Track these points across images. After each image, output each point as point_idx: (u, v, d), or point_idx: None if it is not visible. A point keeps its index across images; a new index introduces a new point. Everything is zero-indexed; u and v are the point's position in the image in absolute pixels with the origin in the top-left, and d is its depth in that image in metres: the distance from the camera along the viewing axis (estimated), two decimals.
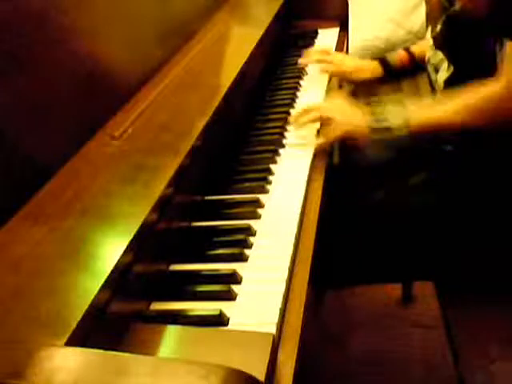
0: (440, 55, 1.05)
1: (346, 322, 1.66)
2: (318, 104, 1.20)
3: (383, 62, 1.40)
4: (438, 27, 1.06)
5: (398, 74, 1.41)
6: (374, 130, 1.09)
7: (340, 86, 1.46)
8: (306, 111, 1.15)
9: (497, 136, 1.02)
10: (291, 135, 1.15)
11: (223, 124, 1.04)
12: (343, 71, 1.41)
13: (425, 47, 1.37)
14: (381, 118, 1.10)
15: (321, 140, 1.10)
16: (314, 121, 1.13)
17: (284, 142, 1.13)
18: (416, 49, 1.39)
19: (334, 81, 1.41)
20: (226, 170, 1.04)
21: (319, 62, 1.41)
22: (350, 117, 1.12)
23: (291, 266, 0.79)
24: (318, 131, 1.14)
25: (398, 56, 1.40)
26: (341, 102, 1.16)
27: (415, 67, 1.39)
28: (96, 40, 0.98)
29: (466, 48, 0.99)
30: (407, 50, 1.39)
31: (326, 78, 1.40)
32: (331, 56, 1.43)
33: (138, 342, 0.65)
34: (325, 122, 1.13)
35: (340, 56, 1.45)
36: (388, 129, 1.08)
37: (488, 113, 1.01)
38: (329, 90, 1.36)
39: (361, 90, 1.82)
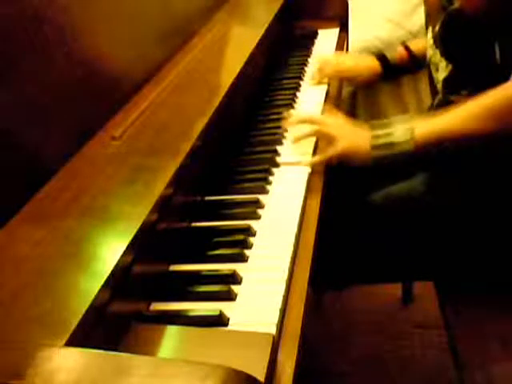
0: (438, 54, 1.05)
1: (346, 322, 1.66)
2: (317, 117, 1.14)
3: (382, 59, 1.38)
4: (438, 26, 1.06)
5: (397, 71, 1.39)
6: (377, 147, 1.03)
7: (340, 87, 1.46)
8: (302, 120, 1.11)
9: (496, 140, 1.01)
10: (291, 135, 1.15)
11: (223, 124, 1.04)
12: (341, 71, 1.39)
13: (421, 44, 1.36)
14: (383, 132, 1.05)
15: (317, 157, 1.05)
16: (311, 135, 1.09)
17: (284, 141, 1.13)
18: (414, 46, 1.37)
19: (335, 82, 1.41)
20: (225, 170, 1.04)
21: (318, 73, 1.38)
22: (351, 133, 1.07)
23: (291, 266, 0.79)
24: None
25: (398, 53, 1.37)
26: (341, 119, 1.12)
27: (414, 64, 1.37)
28: (96, 40, 0.98)
29: (464, 47, 0.98)
30: (406, 46, 1.37)
31: (326, 78, 1.39)
32: (327, 59, 1.40)
33: (138, 342, 0.65)
34: (322, 138, 1.09)
35: (336, 56, 1.43)
36: (391, 144, 1.02)
37: (503, 118, 0.97)
38: (329, 91, 1.36)
39: (360, 90, 1.82)
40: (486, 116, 0.98)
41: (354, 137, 1.06)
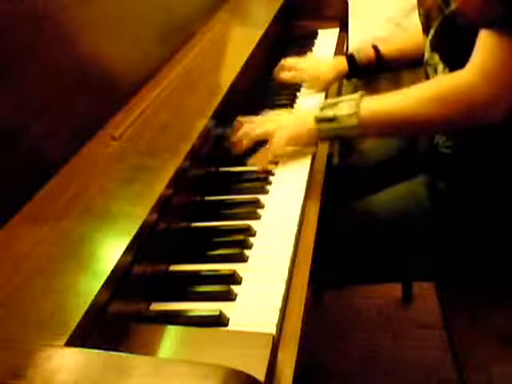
0: (437, 57, 1.05)
1: (345, 322, 1.66)
2: (245, 128, 1.07)
3: (350, 58, 1.35)
4: (434, 29, 1.05)
5: (363, 71, 1.36)
6: (320, 120, 1.00)
7: (340, 87, 1.46)
8: (241, 138, 1.06)
9: (496, 139, 1.01)
10: None
11: (223, 124, 1.04)
12: (300, 76, 1.36)
13: (395, 46, 1.35)
14: (328, 103, 1.02)
15: (268, 159, 1.02)
16: (251, 143, 1.05)
17: None
18: (386, 46, 1.34)
19: (335, 82, 1.41)
20: (225, 170, 1.04)
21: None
22: (288, 118, 1.06)
23: (291, 266, 0.79)
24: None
25: (366, 52, 1.34)
26: (272, 114, 1.09)
27: (380, 66, 1.35)
28: (96, 40, 0.98)
29: (460, 50, 0.98)
30: (375, 47, 1.34)
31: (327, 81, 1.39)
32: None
33: (138, 342, 0.65)
34: (263, 138, 1.05)
35: (296, 61, 1.39)
36: (335, 119, 0.99)
37: (455, 104, 0.93)
38: (329, 91, 1.36)
39: (360, 90, 1.82)
40: (437, 102, 0.94)
41: (293, 118, 1.05)
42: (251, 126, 1.06)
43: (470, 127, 0.97)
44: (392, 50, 1.34)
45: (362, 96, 1.00)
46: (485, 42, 0.91)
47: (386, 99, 1.00)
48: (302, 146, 1.04)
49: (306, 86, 1.36)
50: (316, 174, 1.03)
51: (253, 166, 1.04)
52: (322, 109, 1.02)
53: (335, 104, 1.01)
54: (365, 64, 1.34)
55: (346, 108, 0.99)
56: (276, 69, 1.38)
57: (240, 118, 1.09)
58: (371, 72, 1.37)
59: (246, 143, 1.05)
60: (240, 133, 1.06)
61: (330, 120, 1.00)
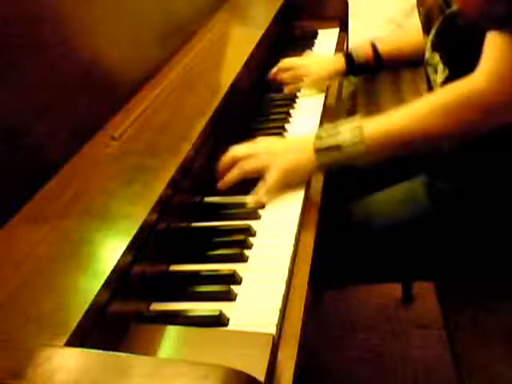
0: (437, 57, 1.04)
1: (345, 322, 1.66)
2: (235, 154, 0.96)
3: (348, 56, 1.34)
4: (435, 29, 1.05)
5: (361, 70, 1.35)
6: (321, 151, 0.93)
7: (340, 87, 1.46)
8: (227, 164, 0.96)
9: (495, 140, 1.01)
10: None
11: (223, 124, 1.04)
12: (300, 74, 1.34)
13: (395, 45, 1.35)
14: (328, 133, 0.94)
15: (258, 197, 0.92)
16: (238, 177, 0.95)
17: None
18: (384, 46, 1.33)
19: (335, 82, 1.41)
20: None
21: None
22: (284, 149, 0.96)
23: (291, 266, 0.79)
24: None
25: (364, 51, 1.33)
26: (263, 141, 1.00)
27: (378, 65, 1.33)
28: (96, 40, 0.98)
29: (461, 50, 0.97)
30: (373, 45, 1.33)
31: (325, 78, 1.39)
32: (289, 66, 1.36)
33: (138, 342, 0.65)
34: (254, 173, 0.95)
35: (294, 60, 1.38)
36: (338, 147, 0.92)
37: (465, 114, 0.90)
38: (329, 91, 1.36)
39: (360, 90, 1.83)
40: (446, 113, 0.90)
41: (289, 148, 0.97)
42: (243, 159, 0.96)
43: (482, 132, 0.94)
44: (390, 48, 1.33)
45: (361, 120, 0.94)
46: (494, 45, 0.89)
47: (391, 118, 0.94)
48: (298, 178, 0.95)
49: (306, 81, 1.35)
50: (316, 174, 1.03)
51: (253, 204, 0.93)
52: (321, 138, 0.95)
53: (335, 132, 0.94)
54: (363, 63, 1.33)
55: (348, 136, 0.93)
56: (273, 70, 1.38)
57: (229, 152, 0.98)
58: (370, 71, 1.36)
59: (237, 177, 0.95)
60: (234, 169, 0.96)
61: (333, 149, 0.94)
